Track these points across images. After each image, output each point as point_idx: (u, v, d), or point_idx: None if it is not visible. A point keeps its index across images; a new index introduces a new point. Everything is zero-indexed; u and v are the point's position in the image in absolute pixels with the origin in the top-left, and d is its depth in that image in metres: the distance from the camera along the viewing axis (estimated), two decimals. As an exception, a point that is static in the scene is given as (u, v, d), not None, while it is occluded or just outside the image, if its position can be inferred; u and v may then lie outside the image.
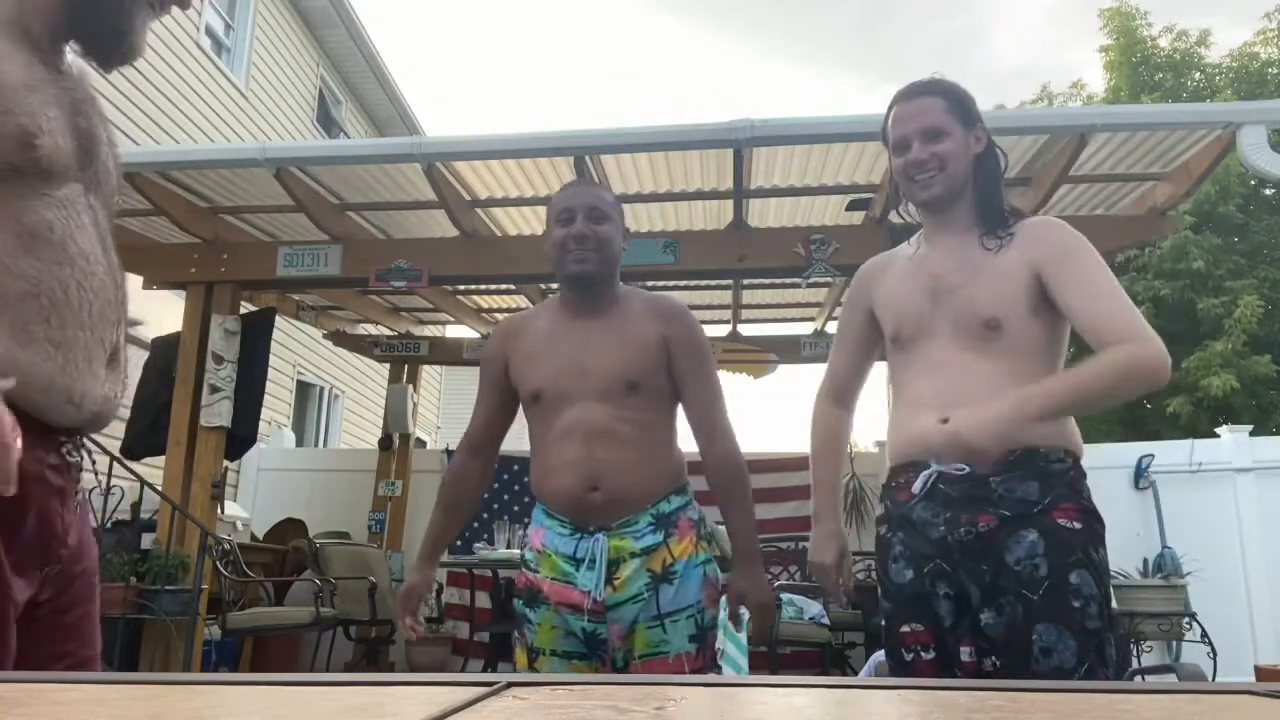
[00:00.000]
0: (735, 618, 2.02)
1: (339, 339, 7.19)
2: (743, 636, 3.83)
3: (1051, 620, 1.54)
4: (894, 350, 1.83)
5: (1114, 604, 1.68)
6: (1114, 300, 1.63)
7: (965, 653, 1.64)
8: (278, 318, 5.64)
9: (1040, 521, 1.59)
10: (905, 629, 1.69)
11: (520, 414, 2.13)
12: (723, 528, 2.10)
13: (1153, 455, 5.83)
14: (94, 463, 1.32)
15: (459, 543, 6.58)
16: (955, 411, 1.63)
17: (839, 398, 2.00)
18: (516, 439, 2.25)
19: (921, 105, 1.76)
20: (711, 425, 2.03)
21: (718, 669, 2.26)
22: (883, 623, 1.76)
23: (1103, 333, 1.60)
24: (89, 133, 1.22)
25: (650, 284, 5.71)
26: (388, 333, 7.11)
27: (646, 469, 1.96)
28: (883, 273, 1.89)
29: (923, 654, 1.67)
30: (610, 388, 1.95)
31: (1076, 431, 1.71)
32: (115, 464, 4.14)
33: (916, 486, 1.70)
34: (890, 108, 1.83)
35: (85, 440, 1.27)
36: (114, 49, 1.25)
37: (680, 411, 2.08)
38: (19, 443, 1.06)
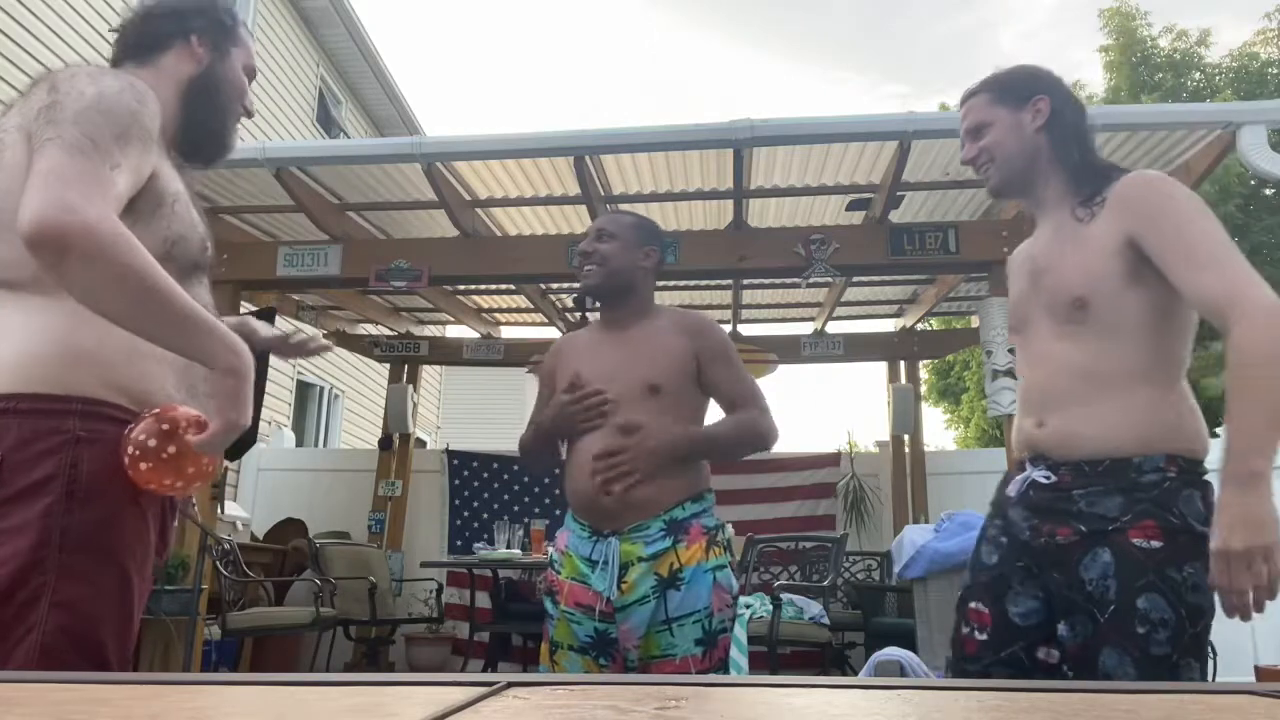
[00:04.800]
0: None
1: (339, 339, 7.20)
2: (743, 637, 3.83)
3: (1114, 645, 1.52)
4: (1014, 340, 1.82)
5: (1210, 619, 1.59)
6: (1218, 266, 1.48)
7: (1044, 652, 1.64)
8: (278, 318, 5.64)
9: (1115, 540, 1.54)
10: (973, 605, 1.73)
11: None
12: (730, 527, 2.18)
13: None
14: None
15: (459, 543, 6.59)
16: (1050, 415, 1.64)
17: None
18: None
19: (967, 107, 1.81)
20: (748, 402, 2.09)
21: (726, 673, 2.27)
22: (959, 592, 1.80)
23: (1220, 310, 1.46)
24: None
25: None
26: (388, 333, 7.12)
27: (659, 475, 2.00)
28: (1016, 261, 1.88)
29: (977, 634, 1.70)
30: (631, 391, 2.02)
31: (1192, 430, 1.58)
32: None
33: (1012, 489, 1.72)
34: None
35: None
36: (215, 152, 1.60)
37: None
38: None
